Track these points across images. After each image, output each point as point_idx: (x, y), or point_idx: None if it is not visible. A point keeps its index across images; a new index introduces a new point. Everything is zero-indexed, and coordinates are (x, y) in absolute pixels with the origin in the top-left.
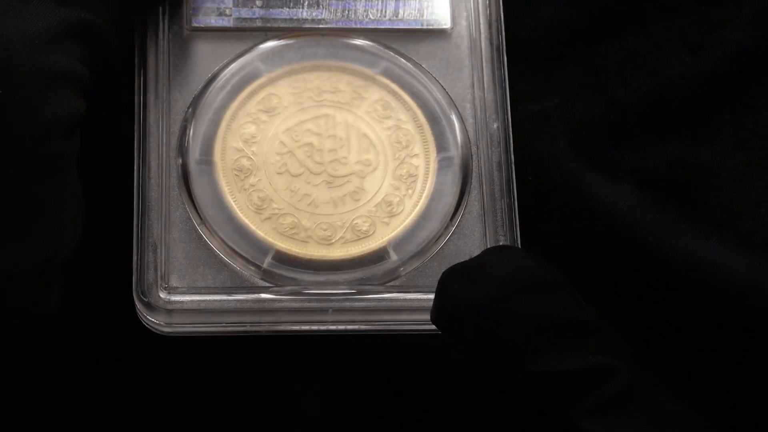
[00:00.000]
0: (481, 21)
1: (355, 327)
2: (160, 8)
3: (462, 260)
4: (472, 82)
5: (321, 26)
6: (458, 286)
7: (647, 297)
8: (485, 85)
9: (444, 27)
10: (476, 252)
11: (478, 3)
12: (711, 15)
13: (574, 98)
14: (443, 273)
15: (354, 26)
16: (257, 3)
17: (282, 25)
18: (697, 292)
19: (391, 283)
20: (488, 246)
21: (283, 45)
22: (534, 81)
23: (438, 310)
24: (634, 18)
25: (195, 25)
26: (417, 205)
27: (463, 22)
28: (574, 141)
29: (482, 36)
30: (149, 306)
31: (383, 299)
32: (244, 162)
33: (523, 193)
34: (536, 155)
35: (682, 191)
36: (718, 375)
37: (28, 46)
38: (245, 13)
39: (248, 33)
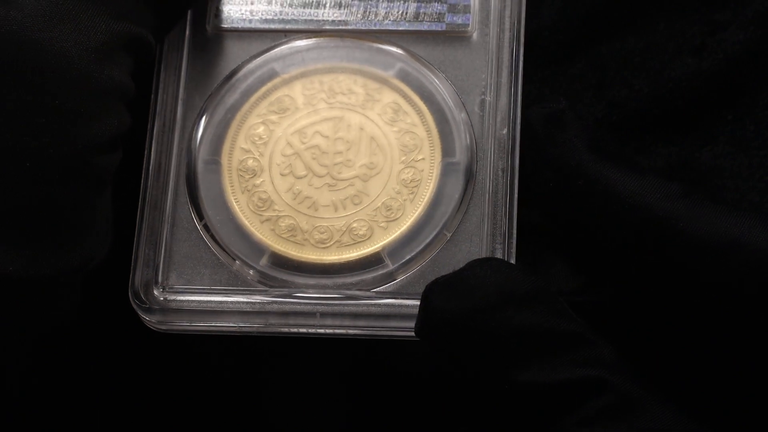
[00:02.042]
0: (503, 26)
1: (344, 331)
2: None
3: (456, 269)
4: (488, 87)
5: (341, 28)
6: (442, 298)
7: (686, 287)
8: (500, 90)
9: (465, 30)
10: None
11: (501, 7)
12: (713, 16)
13: (575, 100)
14: (427, 285)
15: (374, 28)
16: (279, 4)
17: (303, 26)
18: (740, 277)
19: (385, 289)
20: (483, 255)
21: (299, 46)
22: (534, 83)
23: (422, 322)
24: (636, 19)
25: (217, 25)
26: (416, 210)
27: (485, 27)
28: (591, 142)
29: (503, 41)
30: (145, 303)
31: (373, 305)
32: (251, 163)
33: (542, 200)
34: (554, 160)
35: None
36: (757, 360)
37: (85, 59)
38: (267, 14)
39: (270, 33)
